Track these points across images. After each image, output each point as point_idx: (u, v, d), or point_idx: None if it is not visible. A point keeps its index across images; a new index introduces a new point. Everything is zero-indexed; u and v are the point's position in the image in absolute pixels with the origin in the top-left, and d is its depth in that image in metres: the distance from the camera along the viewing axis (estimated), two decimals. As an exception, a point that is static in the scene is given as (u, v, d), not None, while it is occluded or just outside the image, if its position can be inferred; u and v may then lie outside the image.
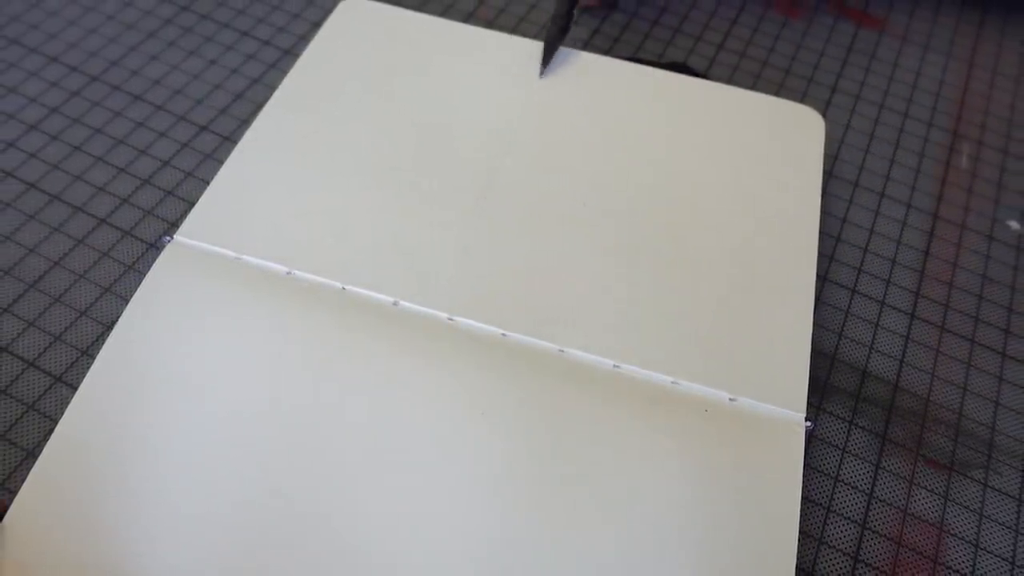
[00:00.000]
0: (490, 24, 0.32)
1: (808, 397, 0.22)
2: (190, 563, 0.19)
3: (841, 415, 0.23)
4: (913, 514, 0.22)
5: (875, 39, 0.33)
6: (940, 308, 0.26)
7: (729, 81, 0.31)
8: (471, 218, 0.25)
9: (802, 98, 0.31)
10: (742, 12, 0.33)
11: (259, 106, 0.28)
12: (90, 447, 0.20)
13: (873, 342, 0.25)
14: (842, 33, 0.33)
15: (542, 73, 0.28)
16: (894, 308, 0.26)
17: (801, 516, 0.20)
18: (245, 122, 0.28)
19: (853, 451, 0.23)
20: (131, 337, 0.22)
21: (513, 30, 0.31)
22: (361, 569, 0.19)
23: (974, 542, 0.21)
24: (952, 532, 0.21)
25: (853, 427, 0.23)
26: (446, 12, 0.32)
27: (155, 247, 0.25)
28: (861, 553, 0.21)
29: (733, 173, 0.27)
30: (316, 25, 0.31)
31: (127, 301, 0.23)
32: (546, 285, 0.24)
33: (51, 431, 0.20)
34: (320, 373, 0.21)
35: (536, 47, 0.29)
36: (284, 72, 0.29)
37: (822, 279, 0.26)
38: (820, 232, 0.26)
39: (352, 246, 0.24)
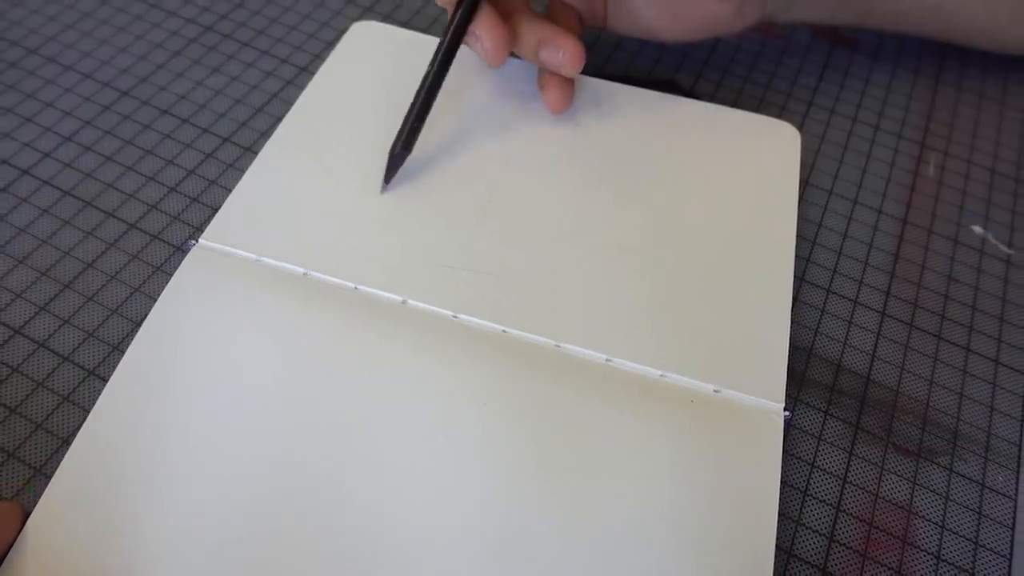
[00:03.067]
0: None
1: (786, 389, 0.22)
2: (213, 545, 0.19)
3: (817, 406, 0.23)
4: (884, 497, 0.22)
5: (848, 57, 0.33)
6: (909, 307, 0.26)
7: (713, 96, 0.31)
8: (474, 224, 0.25)
9: (781, 112, 0.31)
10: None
11: (277, 119, 0.28)
12: (119, 435, 0.20)
13: (847, 338, 0.25)
14: (818, 52, 0.33)
15: (384, 189, 0.25)
16: (866, 307, 0.26)
17: (780, 499, 0.20)
18: (264, 134, 0.28)
19: (828, 439, 0.23)
20: (158, 333, 0.22)
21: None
22: (376, 545, 0.19)
23: (940, 523, 0.21)
24: (920, 514, 0.21)
25: (828, 417, 0.23)
26: (451, 32, 0.32)
27: (181, 250, 0.25)
28: (836, 533, 0.21)
29: (717, 184, 0.27)
30: (330, 45, 0.31)
31: (155, 300, 0.23)
32: (543, 286, 0.24)
33: (84, 421, 0.21)
34: (334, 366, 0.22)
35: (530, 66, 0.29)
36: (300, 88, 0.29)
37: (799, 280, 0.26)
38: (797, 237, 0.26)
39: (364, 249, 0.24)
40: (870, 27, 0.31)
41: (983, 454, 0.23)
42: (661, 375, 0.22)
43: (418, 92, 0.25)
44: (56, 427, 0.21)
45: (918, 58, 0.33)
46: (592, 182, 0.26)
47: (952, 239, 0.28)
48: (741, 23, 0.28)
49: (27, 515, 0.19)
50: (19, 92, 0.29)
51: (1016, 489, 0.22)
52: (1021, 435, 0.23)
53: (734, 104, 0.30)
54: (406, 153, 0.25)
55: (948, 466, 0.22)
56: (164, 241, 0.25)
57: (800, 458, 0.22)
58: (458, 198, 0.26)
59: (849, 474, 0.22)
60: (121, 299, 0.24)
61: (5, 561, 0.18)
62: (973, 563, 0.21)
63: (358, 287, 0.23)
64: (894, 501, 0.22)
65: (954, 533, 0.21)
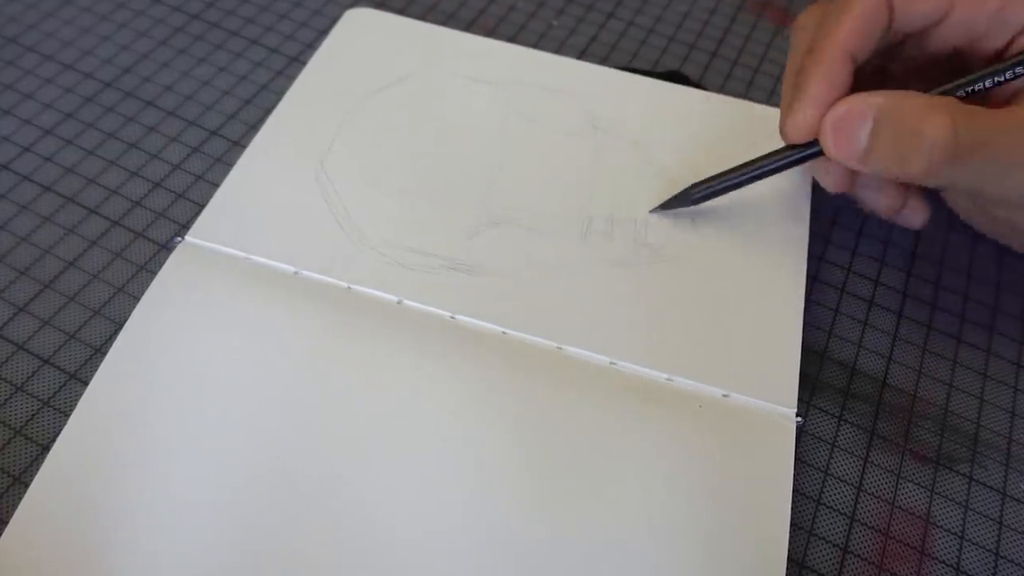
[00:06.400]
0: (490, 33, 0.31)
1: (799, 393, 0.21)
2: (198, 554, 0.18)
3: (831, 411, 0.23)
4: (900, 507, 0.21)
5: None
6: (927, 307, 0.25)
7: (722, 88, 0.30)
8: (472, 221, 0.24)
9: (791, 103, 0.30)
10: (734, 21, 0.33)
11: (267, 111, 0.27)
12: (100, 441, 0.20)
13: (862, 340, 0.24)
14: (830, 41, 0.32)
15: (652, 210, 0.24)
16: (882, 307, 0.25)
17: (792, 508, 0.20)
18: (253, 127, 0.27)
19: (842, 446, 0.22)
20: (142, 335, 0.21)
21: (511, 39, 0.31)
22: (369, 550, 0.18)
23: (959, 534, 0.21)
24: (938, 524, 0.21)
25: (842, 422, 0.22)
26: (447, 21, 0.31)
27: (166, 248, 0.24)
28: (850, 544, 0.20)
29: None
30: (323, 33, 0.31)
31: (139, 300, 0.22)
32: (544, 284, 0.23)
33: (64, 426, 0.20)
34: (326, 368, 0.21)
35: (532, 55, 0.28)
36: (291, 79, 0.28)
37: (812, 279, 0.25)
38: (810, 234, 0.25)
39: (357, 247, 0.23)
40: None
41: (1004, 461, 0.22)
42: (668, 379, 0.21)
43: (747, 165, 0.23)
44: (35, 433, 0.21)
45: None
46: (594, 177, 0.26)
47: (971, 235, 0.27)
48: None
49: None
50: (-2, 83, 0.28)
51: (1038, 498, 0.21)
52: (1043, 441, 0.22)
53: (743, 97, 0.29)
54: (693, 204, 0.24)
55: (968, 474, 0.22)
56: (148, 239, 0.25)
57: (813, 465, 0.21)
58: (456, 193, 0.25)
59: (864, 482, 0.21)
60: (104, 299, 0.23)
61: None
62: (994, 575, 0.20)
63: (351, 287, 0.22)
64: (911, 510, 0.21)
65: (974, 544, 0.21)
